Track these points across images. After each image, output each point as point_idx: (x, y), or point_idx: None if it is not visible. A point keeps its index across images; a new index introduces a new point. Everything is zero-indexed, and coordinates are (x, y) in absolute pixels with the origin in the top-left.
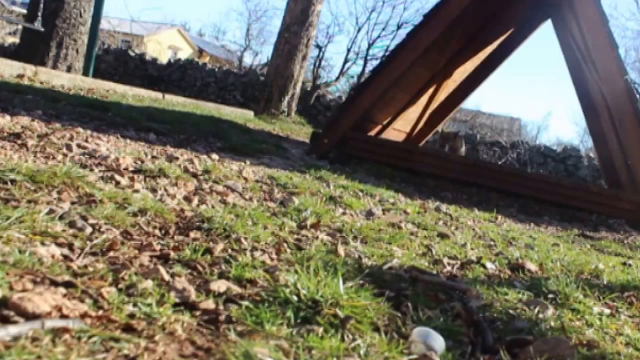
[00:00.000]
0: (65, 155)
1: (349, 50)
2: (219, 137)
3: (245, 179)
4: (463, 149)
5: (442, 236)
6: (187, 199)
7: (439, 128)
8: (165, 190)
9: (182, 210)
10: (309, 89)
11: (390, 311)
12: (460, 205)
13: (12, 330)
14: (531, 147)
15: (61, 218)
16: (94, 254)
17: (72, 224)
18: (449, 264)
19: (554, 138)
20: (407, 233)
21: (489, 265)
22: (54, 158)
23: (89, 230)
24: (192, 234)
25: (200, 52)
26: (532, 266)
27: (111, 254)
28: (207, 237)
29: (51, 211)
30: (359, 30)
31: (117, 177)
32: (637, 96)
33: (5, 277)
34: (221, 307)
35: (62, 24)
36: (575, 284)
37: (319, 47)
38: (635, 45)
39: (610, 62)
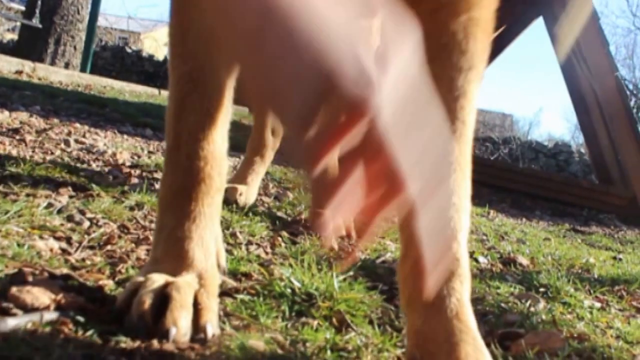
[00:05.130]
0: (63, 150)
1: None
2: None
3: None
4: None
5: None
6: None
7: None
8: None
9: None
10: None
11: (384, 304)
12: None
13: (11, 322)
14: (523, 143)
15: (59, 212)
16: (92, 247)
17: (70, 218)
18: None
19: (545, 134)
20: None
21: (481, 259)
22: (52, 153)
23: (86, 224)
24: None
25: None
26: (523, 260)
27: (108, 247)
28: None
29: (49, 205)
30: None
31: (114, 172)
32: (627, 92)
33: (4, 270)
34: (217, 300)
35: (59, 21)
36: (566, 277)
37: None
38: (626, 42)
39: (601, 59)
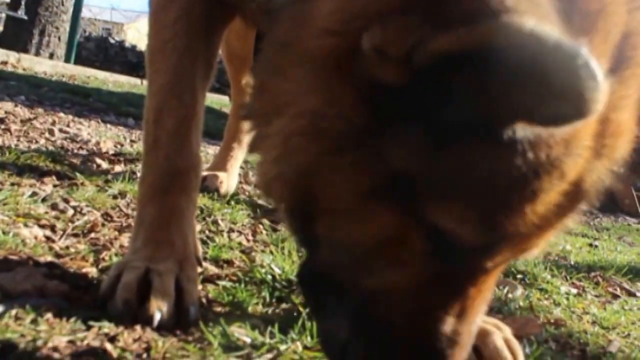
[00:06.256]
0: (47, 139)
1: None
2: None
3: None
4: None
5: None
6: None
7: None
8: None
9: None
10: None
11: None
12: None
13: None
14: None
15: (44, 200)
16: (75, 235)
17: (54, 206)
18: None
19: None
20: None
21: None
22: (36, 142)
23: (70, 212)
24: None
25: None
26: None
27: (92, 235)
28: None
29: (34, 193)
30: None
31: (98, 160)
32: None
33: None
34: (199, 287)
35: (44, 12)
36: (543, 264)
37: None
38: None
39: None
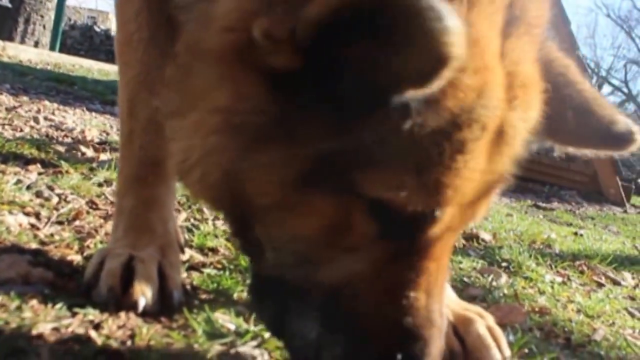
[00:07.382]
0: (32, 127)
1: None
2: None
3: None
4: None
5: None
6: None
7: None
8: None
9: None
10: None
11: None
12: None
13: None
14: None
15: (28, 188)
16: (60, 223)
17: (38, 194)
18: None
19: None
20: None
21: None
22: (21, 130)
23: (55, 199)
24: None
25: None
26: (486, 235)
27: (77, 222)
28: None
29: (19, 181)
30: None
31: (83, 149)
32: (588, 71)
33: None
34: (184, 275)
35: (29, 0)
36: (528, 252)
37: None
38: (587, 21)
39: (563, 38)
